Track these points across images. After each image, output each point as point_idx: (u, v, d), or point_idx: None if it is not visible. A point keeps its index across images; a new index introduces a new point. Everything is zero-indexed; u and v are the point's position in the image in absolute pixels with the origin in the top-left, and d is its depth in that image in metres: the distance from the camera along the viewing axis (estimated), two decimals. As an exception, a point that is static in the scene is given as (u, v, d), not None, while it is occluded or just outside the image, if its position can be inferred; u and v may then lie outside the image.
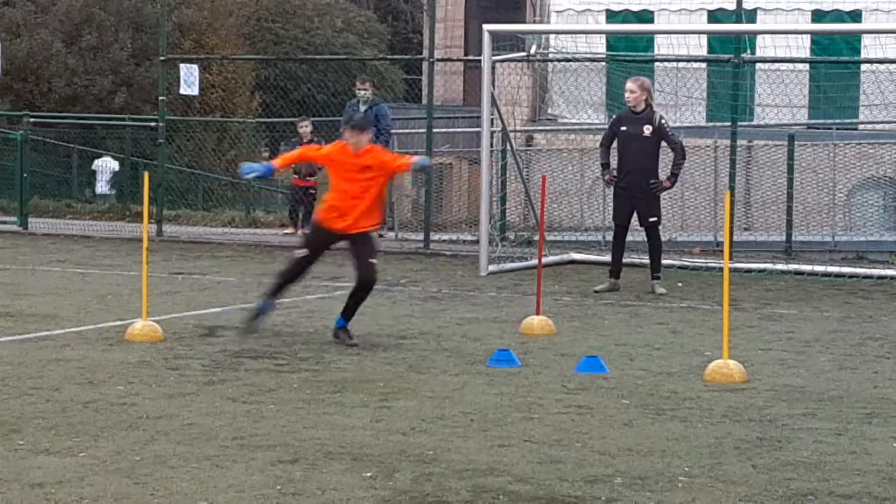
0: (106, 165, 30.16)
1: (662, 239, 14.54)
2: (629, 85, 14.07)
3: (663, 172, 14.12)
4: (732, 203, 10.59)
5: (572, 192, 21.62)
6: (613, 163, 14.30)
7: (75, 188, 28.60)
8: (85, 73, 31.01)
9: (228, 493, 5.81)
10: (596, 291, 14.10)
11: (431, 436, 7.01)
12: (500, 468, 6.31)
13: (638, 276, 14.93)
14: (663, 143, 14.04)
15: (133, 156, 27.62)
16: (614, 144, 14.22)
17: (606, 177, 14.28)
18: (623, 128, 13.98)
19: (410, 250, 18.29)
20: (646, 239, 14.31)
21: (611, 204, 14.69)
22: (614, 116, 14.76)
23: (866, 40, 22.99)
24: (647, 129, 13.83)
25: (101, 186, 28.83)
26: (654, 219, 14.05)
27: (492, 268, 15.90)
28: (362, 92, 19.96)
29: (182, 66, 20.93)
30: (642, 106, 13.90)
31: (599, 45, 24.23)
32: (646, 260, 14.56)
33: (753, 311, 12.78)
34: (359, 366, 9.19)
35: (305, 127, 21.09)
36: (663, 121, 14.00)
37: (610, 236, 15.45)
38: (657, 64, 23.41)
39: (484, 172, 16.14)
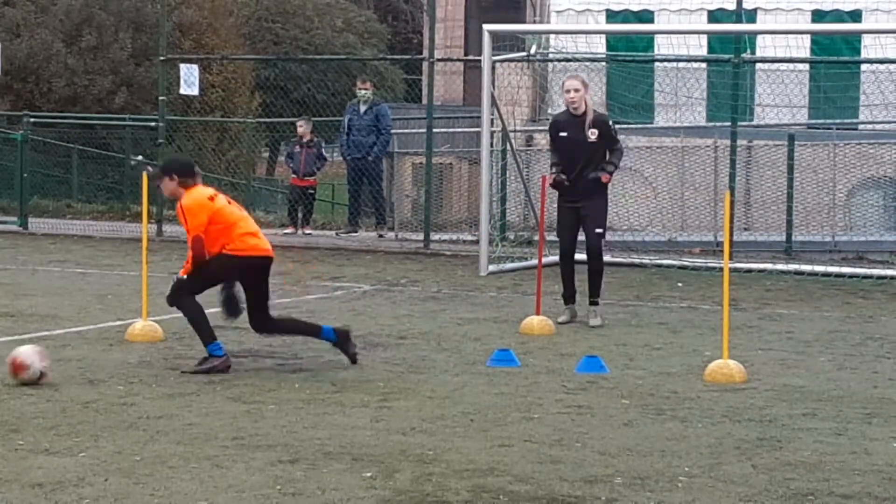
0: None
1: (662, 239, 14.37)
2: (571, 83, 11.89)
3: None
4: (732, 203, 10.53)
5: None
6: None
7: (75, 188, 28.56)
8: (85, 73, 30.97)
9: (228, 493, 5.81)
10: (559, 323, 11.76)
11: (431, 436, 7.00)
12: (500, 468, 6.31)
13: (638, 276, 14.92)
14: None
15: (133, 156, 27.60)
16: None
17: (555, 176, 11.84)
18: (563, 133, 11.87)
19: (410, 250, 18.28)
20: (585, 257, 12.09)
21: (610, 205, 14.43)
22: (550, 119, 12.85)
23: (866, 40, 22.97)
24: (593, 134, 11.75)
25: None
26: (601, 230, 12.02)
27: (492, 268, 15.90)
28: (363, 92, 20.00)
29: (182, 66, 20.92)
30: (584, 107, 11.82)
31: (599, 45, 24.20)
32: (644, 259, 14.41)
33: (753, 311, 12.77)
34: (359, 366, 9.19)
35: (305, 126, 21.10)
36: (612, 123, 12.15)
37: (609, 236, 15.30)
38: (657, 64, 23.40)
39: (484, 172, 16.12)
